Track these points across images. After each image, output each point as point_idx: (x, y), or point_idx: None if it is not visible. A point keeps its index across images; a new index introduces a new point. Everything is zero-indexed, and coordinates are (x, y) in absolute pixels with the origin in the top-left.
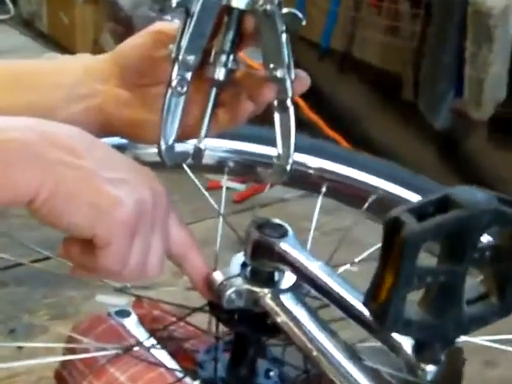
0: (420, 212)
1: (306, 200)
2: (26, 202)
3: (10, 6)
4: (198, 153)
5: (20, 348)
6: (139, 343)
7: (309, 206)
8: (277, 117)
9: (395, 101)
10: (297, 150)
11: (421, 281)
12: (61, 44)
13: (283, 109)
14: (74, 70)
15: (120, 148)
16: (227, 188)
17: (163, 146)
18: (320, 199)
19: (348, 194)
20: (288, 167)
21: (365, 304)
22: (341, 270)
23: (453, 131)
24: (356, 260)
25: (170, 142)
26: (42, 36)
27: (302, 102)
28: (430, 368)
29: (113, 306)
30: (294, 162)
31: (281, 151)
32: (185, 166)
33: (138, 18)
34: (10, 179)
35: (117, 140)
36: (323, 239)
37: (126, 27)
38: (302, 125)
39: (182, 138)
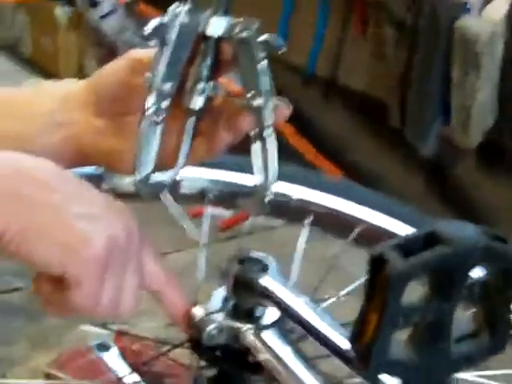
0: (406, 248)
1: (292, 227)
2: None
3: None
4: (175, 184)
5: (3, 376)
6: (119, 380)
7: (295, 234)
8: (255, 146)
9: (381, 127)
10: (280, 178)
11: (407, 320)
12: (45, 69)
13: (262, 138)
14: (52, 97)
15: (96, 178)
16: (211, 215)
17: (138, 178)
18: (306, 230)
19: (334, 224)
20: (267, 199)
21: (350, 344)
22: (326, 303)
23: (440, 159)
24: (341, 293)
25: (145, 172)
26: (25, 61)
27: (286, 128)
28: None
29: (97, 335)
30: (277, 193)
31: (259, 182)
32: (163, 197)
33: (122, 43)
34: None
35: (93, 170)
36: (309, 267)
37: (110, 52)
38: (287, 151)
39: (158, 168)
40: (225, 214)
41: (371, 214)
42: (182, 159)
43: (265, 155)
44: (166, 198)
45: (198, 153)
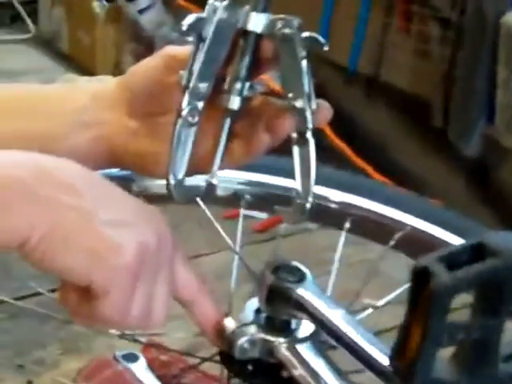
0: (451, 260)
1: (330, 230)
2: (16, 246)
3: (31, 25)
4: (210, 188)
5: (30, 383)
6: None
7: (333, 237)
8: (296, 150)
9: (424, 127)
10: (318, 182)
11: (452, 338)
12: (81, 65)
13: (303, 141)
14: (82, 96)
15: (127, 180)
16: (246, 216)
17: (172, 181)
18: (343, 235)
19: (373, 229)
20: (308, 205)
21: (390, 361)
22: (365, 314)
23: (484, 159)
24: (380, 303)
25: (180, 176)
26: (62, 56)
27: (326, 128)
28: None
29: (125, 344)
30: (315, 196)
31: (300, 188)
32: (200, 202)
33: (160, 38)
34: (0, 220)
35: (123, 172)
36: (347, 272)
37: (147, 48)
38: (327, 152)
39: (192, 171)
40: (260, 215)
41: (412, 218)
42: (217, 162)
43: (305, 159)
44: (200, 201)
45: (235, 156)
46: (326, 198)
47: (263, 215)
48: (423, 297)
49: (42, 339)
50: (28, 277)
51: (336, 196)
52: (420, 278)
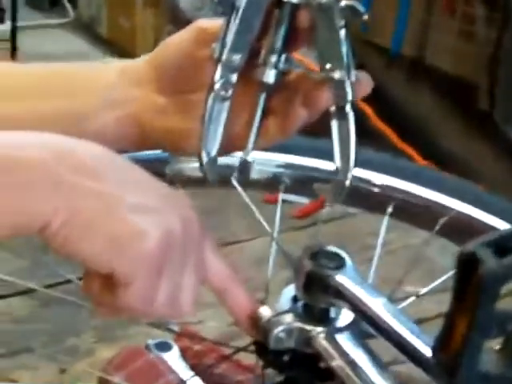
0: (499, 246)
1: (373, 215)
2: (37, 229)
3: (70, 9)
4: (245, 167)
5: (63, 371)
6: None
7: (376, 222)
8: (335, 125)
9: (469, 110)
10: (360, 165)
11: (501, 328)
12: (121, 49)
13: (342, 115)
14: (108, 73)
15: (160, 162)
16: (286, 201)
17: (205, 159)
18: (386, 220)
19: (417, 214)
20: (347, 183)
21: (433, 354)
22: (407, 302)
23: None
24: (423, 291)
25: (213, 153)
26: (101, 40)
27: (369, 111)
28: None
29: (158, 332)
30: (357, 179)
31: (339, 165)
32: (234, 181)
33: None
34: (19, 203)
35: (154, 154)
36: (389, 258)
37: None
38: (369, 135)
39: (226, 150)
40: (301, 201)
41: (458, 203)
42: (252, 139)
43: (345, 134)
44: (236, 183)
45: (271, 132)
46: (367, 182)
47: (303, 200)
48: (471, 284)
49: (76, 327)
50: (58, 264)
51: (378, 179)
52: (467, 265)
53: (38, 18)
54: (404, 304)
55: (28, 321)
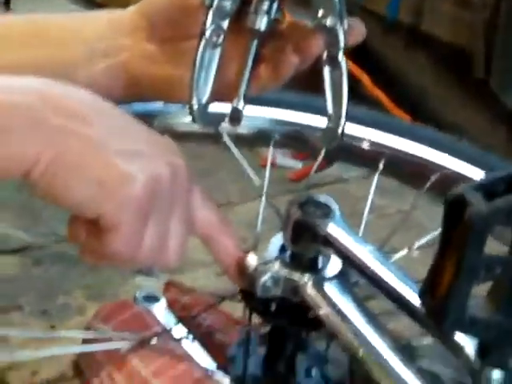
0: (488, 190)
1: (366, 180)
2: (21, 173)
3: None
4: (236, 114)
5: (53, 328)
6: (166, 332)
7: (369, 187)
8: (327, 72)
9: (465, 77)
10: (352, 121)
11: (488, 272)
12: None
13: (334, 63)
14: (97, 22)
15: (148, 115)
16: (282, 166)
17: (195, 106)
18: (376, 176)
19: (408, 171)
20: (340, 129)
21: (420, 298)
22: (397, 256)
23: None
24: (415, 245)
25: (204, 100)
26: (93, 5)
27: (365, 78)
28: (497, 374)
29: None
30: (348, 135)
31: (331, 111)
32: (226, 138)
33: None
34: (2, 146)
35: (145, 106)
36: (381, 222)
37: None
38: (366, 102)
39: (217, 98)
40: (295, 165)
41: (450, 160)
42: (243, 86)
43: (337, 82)
44: (226, 137)
45: (262, 79)
46: (358, 138)
47: (298, 164)
48: (459, 228)
49: (68, 285)
50: (55, 222)
51: (369, 135)
52: (455, 208)
53: None
54: (396, 257)
55: (19, 279)
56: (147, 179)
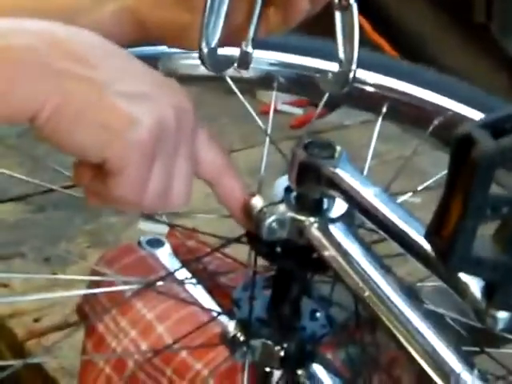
0: (496, 128)
1: (367, 126)
2: (27, 118)
3: None
4: (245, 57)
5: (55, 274)
6: (170, 276)
7: (371, 133)
8: (337, 16)
9: (465, 22)
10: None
11: (495, 212)
12: None
13: (344, 6)
14: None
15: (152, 58)
16: (284, 112)
17: (205, 49)
18: (380, 120)
19: (411, 115)
20: (351, 74)
21: (427, 238)
22: (401, 199)
23: None
24: (419, 188)
25: (213, 44)
26: None
27: (365, 24)
28: (503, 315)
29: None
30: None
31: (343, 56)
32: (228, 79)
33: None
34: (8, 91)
35: (149, 49)
36: (383, 168)
37: None
38: (365, 48)
39: (226, 42)
40: (297, 111)
41: (453, 104)
42: (252, 29)
43: (348, 25)
44: (229, 79)
45: (272, 23)
46: (361, 81)
47: (300, 111)
48: (465, 166)
49: (70, 232)
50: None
51: (372, 78)
52: (462, 146)
53: None
54: (401, 199)
55: (21, 226)
56: (153, 122)
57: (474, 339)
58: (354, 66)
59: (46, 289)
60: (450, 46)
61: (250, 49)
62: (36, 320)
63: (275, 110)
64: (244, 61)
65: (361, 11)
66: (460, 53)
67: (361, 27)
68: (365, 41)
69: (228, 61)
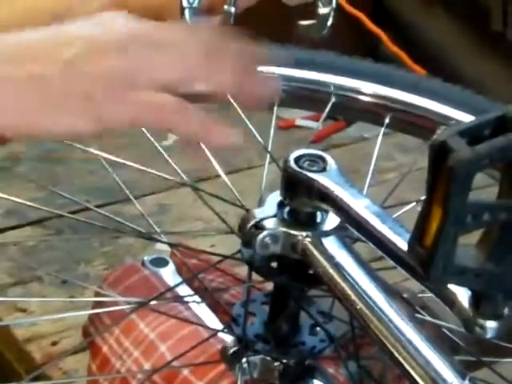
0: (472, 135)
1: (387, 139)
2: None
3: None
4: (227, 17)
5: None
6: (169, 292)
7: (391, 145)
8: None
9: (482, 31)
10: (357, 76)
11: (476, 219)
12: None
13: None
14: None
15: None
16: (303, 127)
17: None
18: (382, 131)
19: (414, 125)
20: (331, 18)
21: (409, 249)
22: (404, 209)
23: None
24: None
25: (195, 4)
26: None
27: (384, 36)
28: (491, 324)
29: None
30: (353, 90)
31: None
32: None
33: None
34: None
35: None
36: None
37: None
38: (385, 59)
39: (209, 10)
40: (316, 125)
41: (457, 113)
42: None
43: None
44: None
45: None
46: (363, 93)
47: (318, 125)
48: (442, 174)
49: (87, 255)
50: (76, 192)
51: (374, 90)
52: (439, 155)
53: None
54: (405, 209)
55: (38, 251)
56: None
57: (477, 349)
58: (333, 5)
59: (63, 312)
60: (467, 54)
61: (232, 9)
62: (54, 343)
63: (295, 126)
64: (226, 21)
65: (379, 23)
66: (478, 61)
67: (379, 39)
68: (384, 54)
69: (210, 20)
